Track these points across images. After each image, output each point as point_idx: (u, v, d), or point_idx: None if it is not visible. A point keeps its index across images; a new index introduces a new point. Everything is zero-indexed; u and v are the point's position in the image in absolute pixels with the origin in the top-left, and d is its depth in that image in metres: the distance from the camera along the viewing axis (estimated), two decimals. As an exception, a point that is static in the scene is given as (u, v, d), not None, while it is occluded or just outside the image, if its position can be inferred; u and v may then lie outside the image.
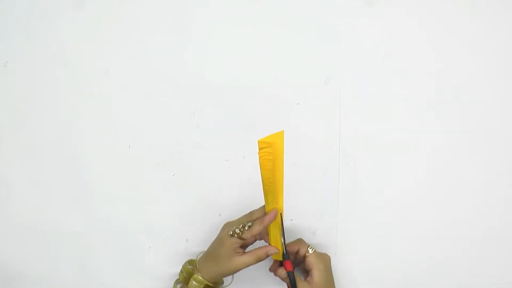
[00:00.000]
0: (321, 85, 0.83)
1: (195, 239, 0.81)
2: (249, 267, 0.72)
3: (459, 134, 0.82)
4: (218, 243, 0.74)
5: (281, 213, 0.73)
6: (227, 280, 0.78)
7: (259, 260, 0.73)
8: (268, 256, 0.73)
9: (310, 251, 0.75)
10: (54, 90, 0.85)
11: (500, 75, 0.82)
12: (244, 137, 0.83)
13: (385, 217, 0.82)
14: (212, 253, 0.75)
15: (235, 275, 0.76)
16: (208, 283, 0.74)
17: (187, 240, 0.83)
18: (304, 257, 0.76)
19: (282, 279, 0.74)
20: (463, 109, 0.82)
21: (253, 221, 0.74)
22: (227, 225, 0.76)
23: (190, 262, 0.78)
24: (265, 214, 0.73)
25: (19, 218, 0.84)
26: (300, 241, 0.77)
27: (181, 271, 0.77)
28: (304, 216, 0.82)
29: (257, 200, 0.74)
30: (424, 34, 0.83)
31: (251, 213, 0.75)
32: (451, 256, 0.82)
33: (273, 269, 0.77)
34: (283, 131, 0.68)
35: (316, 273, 0.74)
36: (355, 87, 0.82)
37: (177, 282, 0.79)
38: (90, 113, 0.85)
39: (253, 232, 0.73)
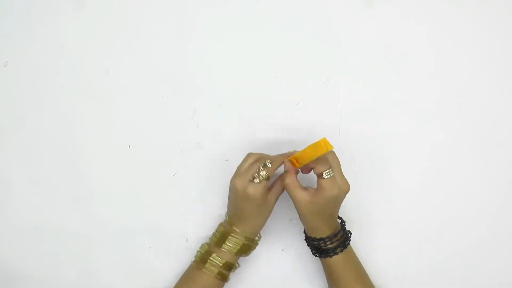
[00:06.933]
0: (321, 85, 0.83)
1: (195, 239, 0.81)
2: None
3: (459, 134, 0.82)
4: (244, 199, 0.71)
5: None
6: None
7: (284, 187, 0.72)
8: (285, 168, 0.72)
9: (325, 176, 0.70)
10: (54, 90, 0.85)
11: (500, 75, 0.82)
12: (244, 137, 0.83)
13: (385, 217, 0.82)
14: (245, 210, 0.72)
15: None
16: (247, 238, 0.73)
17: (187, 240, 0.83)
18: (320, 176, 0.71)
19: (286, 169, 0.72)
20: (463, 109, 0.82)
21: (268, 160, 0.71)
22: (240, 179, 0.71)
23: (222, 224, 0.76)
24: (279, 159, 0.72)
25: (19, 218, 0.84)
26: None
27: (214, 235, 0.76)
28: (304, 216, 0.81)
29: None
30: (424, 34, 0.83)
31: (260, 156, 0.73)
32: (451, 256, 0.82)
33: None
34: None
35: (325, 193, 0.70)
36: (355, 87, 0.82)
37: (202, 247, 0.77)
38: (90, 113, 0.84)
39: (279, 163, 0.72)
